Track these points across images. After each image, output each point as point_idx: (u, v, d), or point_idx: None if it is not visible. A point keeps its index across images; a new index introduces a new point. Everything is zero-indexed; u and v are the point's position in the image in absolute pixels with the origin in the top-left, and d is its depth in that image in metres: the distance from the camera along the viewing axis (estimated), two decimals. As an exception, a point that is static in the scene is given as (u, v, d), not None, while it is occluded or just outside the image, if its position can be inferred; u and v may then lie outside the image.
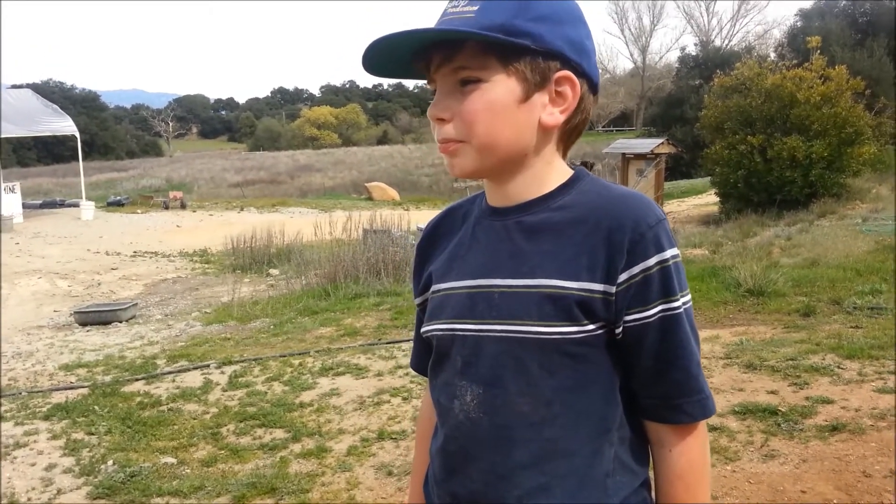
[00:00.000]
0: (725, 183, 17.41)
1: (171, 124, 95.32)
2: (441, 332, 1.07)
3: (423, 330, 1.13)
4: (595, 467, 1.00)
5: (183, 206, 25.65)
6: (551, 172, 1.05)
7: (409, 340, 6.26)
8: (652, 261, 0.96)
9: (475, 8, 0.95)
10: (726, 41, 61.64)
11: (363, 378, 5.22)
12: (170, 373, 5.68)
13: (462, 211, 1.15)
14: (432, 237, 1.17)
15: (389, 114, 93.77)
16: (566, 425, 0.99)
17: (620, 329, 0.98)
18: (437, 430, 1.12)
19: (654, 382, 1.01)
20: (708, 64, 35.85)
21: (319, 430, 4.27)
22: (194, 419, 4.58)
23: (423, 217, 14.10)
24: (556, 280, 0.98)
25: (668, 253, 0.97)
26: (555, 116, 1.00)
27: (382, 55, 0.98)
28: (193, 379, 5.47)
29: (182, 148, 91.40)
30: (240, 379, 5.36)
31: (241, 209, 25.56)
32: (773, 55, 18.45)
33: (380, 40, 0.95)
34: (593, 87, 1.03)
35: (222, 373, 5.58)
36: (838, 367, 4.61)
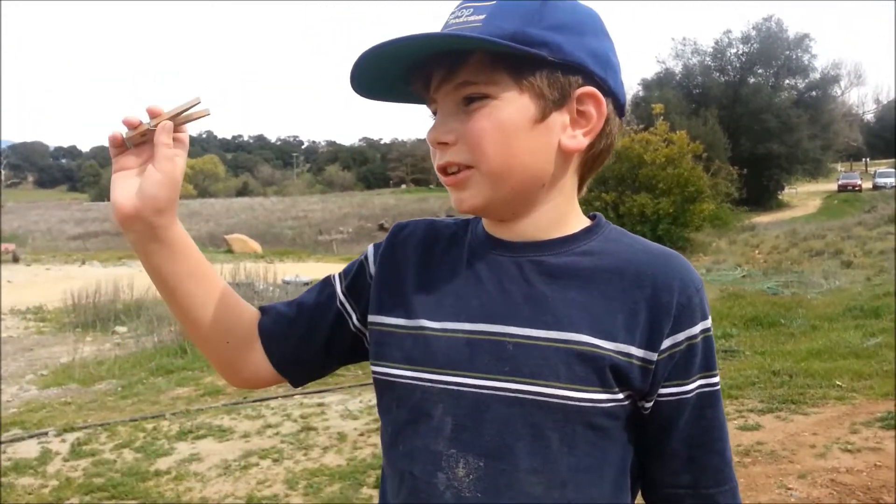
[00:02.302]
0: (582, 237, 18.40)
1: (3, 173, 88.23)
2: (427, 384, 0.85)
3: (388, 371, 0.89)
4: None
5: (16, 260, 23.45)
6: (572, 210, 0.90)
7: (277, 398, 5.91)
8: (697, 328, 0.84)
9: (481, 17, 0.81)
10: (576, 106, 66.13)
11: (227, 440, 4.83)
12: (0, 443, 4.99)
13: (449, 231, 0.95)
14: (409, 244, 0.95)
15: (250, 165, 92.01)
16: None
17: (651, 403, 0.84)
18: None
19: (683, 469, 0.87)
20: (561, 126, 38.27)
21: (179, 499, 3.87)
22: (30, 494, 4.02)
23: (288, 270, 13.70)
24: (589, 336, 0.81)
25: (709, 321, 0.86)
26: (577, 139, 0.85)
27: (374, 70, 0.83)
28: (28, 449, 4.83)
29: (15, 198, 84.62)
30: (84, 447, 4.80)
31: (83, 262, 23.72)
32: (618, 120, 19.97)
33: (370, 51, 0.80)
34: (619, 107, 0.89)
35: (63, 441, 4.98)
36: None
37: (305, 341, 0.97)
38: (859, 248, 15.42)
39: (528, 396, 0.81)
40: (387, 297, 0.93)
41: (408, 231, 0.97)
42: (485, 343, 0.84)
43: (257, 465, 4.33)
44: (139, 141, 0.86)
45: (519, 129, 0.82)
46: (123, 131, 0.86)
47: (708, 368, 0.85)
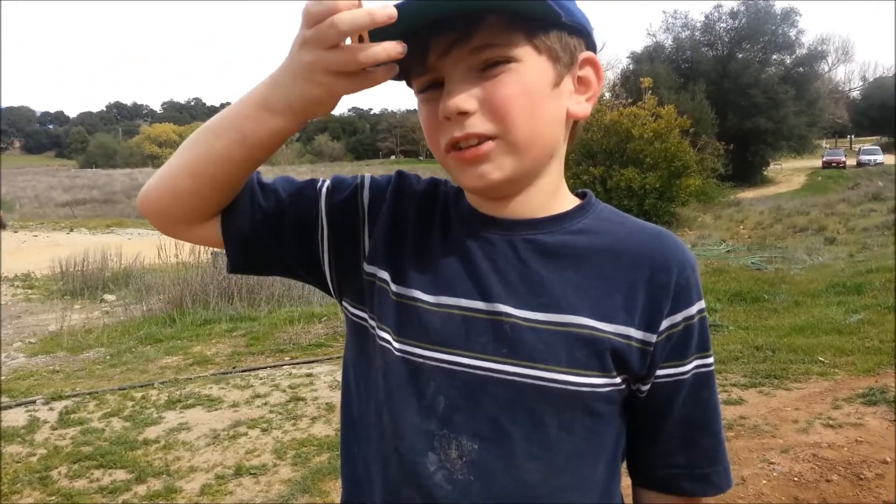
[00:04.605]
0: (570, 211, 18.50)
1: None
2: (418, 360, 0.81)
3: (381, 335, 0.84)
4: None
5: (2, 226, 23.21)
6: (562, 184, 0.86)
7: (265, 367, 5.94)
8: (694, 309, 0.82)
9: None
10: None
11: (216, 410, 4.85)
12: (-12, 411, 4.98)
13: (443, 196, 0.90)
14: (412, 199, 0.89)
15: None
16: (573, 502, 0.81)
17: (648, 386, 0.83)
18: (363, 480, 0.87)
19: (678, 450, 0.86)
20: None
21: (167, 468, 3.88)
22: (18, 462, 4.02)
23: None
24: (588, 319, 0.79)
25: (703, 301, 0.84)
26: (582, 106, 0.82)
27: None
28: (16, 417, 4.83)
29: (2, 163, 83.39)
30: (72, 415, 4.80)
31: (71, 230, 23.59)
32: (607, 95, 19.93)
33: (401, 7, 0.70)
34: None
35: (51, 409, 4.98)
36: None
37: (268, 228, 0.87)
38: (843, 224, 15.55)
39: (526, 381, 0.78)
40: (384, 249, 0.86)
41: (411, 183, 0.91)
42: (482, 322, 0.80)
43: (246, 434, 4.35)
44: None
45: (542, 94, 0.78)
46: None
47: (703, 349, 0.84)
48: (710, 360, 0.86)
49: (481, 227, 0.84)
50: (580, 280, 0.81)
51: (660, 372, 0.82)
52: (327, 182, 0.91)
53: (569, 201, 0.87)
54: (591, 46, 0.83)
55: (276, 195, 0.88)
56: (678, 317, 0.81)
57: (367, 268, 0.87)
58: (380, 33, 0.70)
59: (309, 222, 0.88)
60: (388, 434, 0.82)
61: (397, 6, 0.68)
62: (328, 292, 0.92)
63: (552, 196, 0.85)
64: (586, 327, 0.79)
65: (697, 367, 0.84)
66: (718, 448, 0.88)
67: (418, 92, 0.82)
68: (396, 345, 0.82)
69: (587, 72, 0.83)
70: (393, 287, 0.84)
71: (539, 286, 0.80)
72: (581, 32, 0.81)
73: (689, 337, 0.82)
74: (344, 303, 0.91)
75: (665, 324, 0.81)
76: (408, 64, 0.78)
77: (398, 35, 0.71)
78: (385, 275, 0.85)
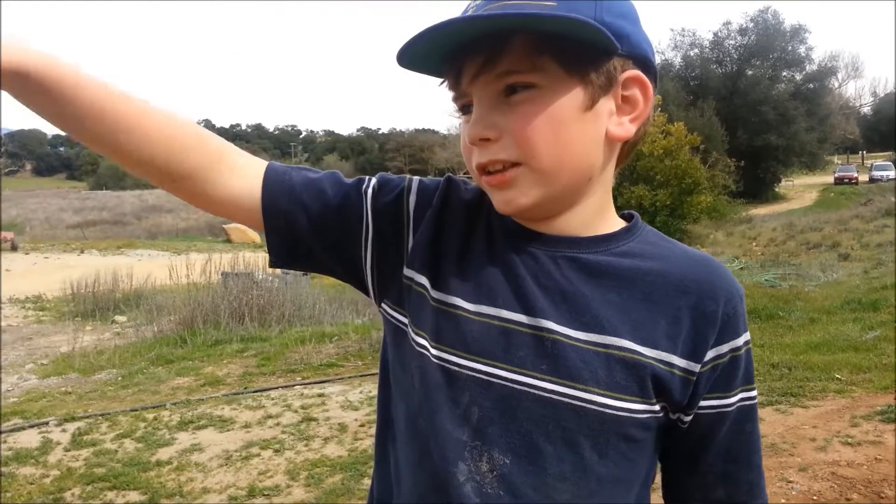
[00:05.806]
0: (580, 228, 18.50)
1: (1, 161, 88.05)
2: (454, 368, 0.79)
3: (417, 340, 0.82)
4: None
5: (14, 248, 23.41)
6: (609, 205, 0.85)
7: (277, 388, 5.92)
8: (741, 340, 0.80)
9: None
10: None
11: (228, 431, 4.84)
12: (1, 432, 4.99)
13: (487, 207, 0.85)
14: (460, 207, 0.86)
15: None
16: None
17: (690, 417, 0.81)
18: (394, 481, 0.85)
19: (718, 483, 0.84)
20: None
21: (181, 490, 3.87)
22: (31, 484, 4.02)
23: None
24: (630, 342, 0.76)
25: (749, 333, 0.82)
26: (625, 127, 0.79)
27: (417, 54, 0.77)
28: (29, 438, 4.84)
29: (13, 186, 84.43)
30: (85, 437, 4.81)
31: (82, 251, 23.75)
32: (617, 111, 20.00)
33: (421, 36, 0.72)
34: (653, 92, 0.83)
35: (64, 430, 4.98)
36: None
37: (311, 227, 0.85)
38: (856, 240, 15.45)
39: (563, 399, 0.76)
40: (426, 255, 0.84)
41: (461, 192, 0.88)
42: (522, 335, 0.78)
43: (258, 455, 4.34)
44: None
45: (569, 120, 0.76)
46: None
47: (748, 381, 0.82)
48: (755, 392, 0.84)
49: (525, 241, 0.82)
50: (623, 302, 0.79)
51: (703, 403, 0.80)
52: (373, 181, 0.88)
53: (615, 223, 0.85)
54: (642, 66, 0.80)
55: (323, 196, 0.85)
56: (724, 348, 0.79)
57: (406, 271, 0.85)
58: (421, 51, 0.75)
59: (353, 226, 0.86)
60: (422, 439, 0.80)
61: (443, 23, 0.71)
62: (366, 293, 0.90)
63: (597, 216, 0.84)
64: (628, 350, 0.77)
65: (742, 399, 0.82)
66: (758, 482, 0.86)
67: (460, 112, 0.82)
68: (434, 351, 0.80)
69: (633, 91, 0.79)
70: (433, 293, 0.82)
71: (582, 305, 0.78)
72: (636, 59, 0.79)
73: (736, 369, 0.80)
74: (384, 304, 0.89)
75: (710, 354, 0.79)
76: (451, 88, 0.81)
77: (441, 53, 0.76)
78: (423, 280, 0.83)
